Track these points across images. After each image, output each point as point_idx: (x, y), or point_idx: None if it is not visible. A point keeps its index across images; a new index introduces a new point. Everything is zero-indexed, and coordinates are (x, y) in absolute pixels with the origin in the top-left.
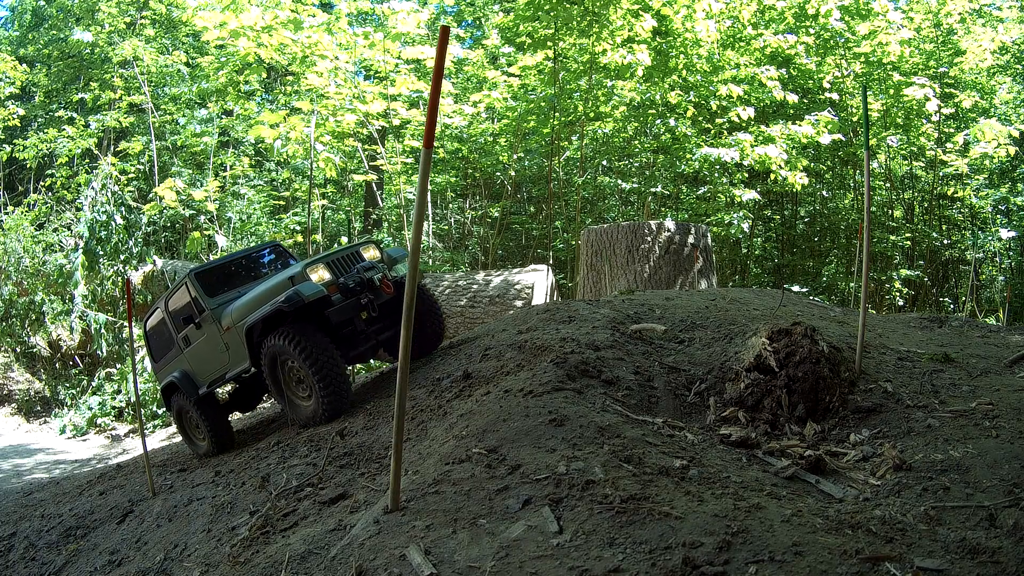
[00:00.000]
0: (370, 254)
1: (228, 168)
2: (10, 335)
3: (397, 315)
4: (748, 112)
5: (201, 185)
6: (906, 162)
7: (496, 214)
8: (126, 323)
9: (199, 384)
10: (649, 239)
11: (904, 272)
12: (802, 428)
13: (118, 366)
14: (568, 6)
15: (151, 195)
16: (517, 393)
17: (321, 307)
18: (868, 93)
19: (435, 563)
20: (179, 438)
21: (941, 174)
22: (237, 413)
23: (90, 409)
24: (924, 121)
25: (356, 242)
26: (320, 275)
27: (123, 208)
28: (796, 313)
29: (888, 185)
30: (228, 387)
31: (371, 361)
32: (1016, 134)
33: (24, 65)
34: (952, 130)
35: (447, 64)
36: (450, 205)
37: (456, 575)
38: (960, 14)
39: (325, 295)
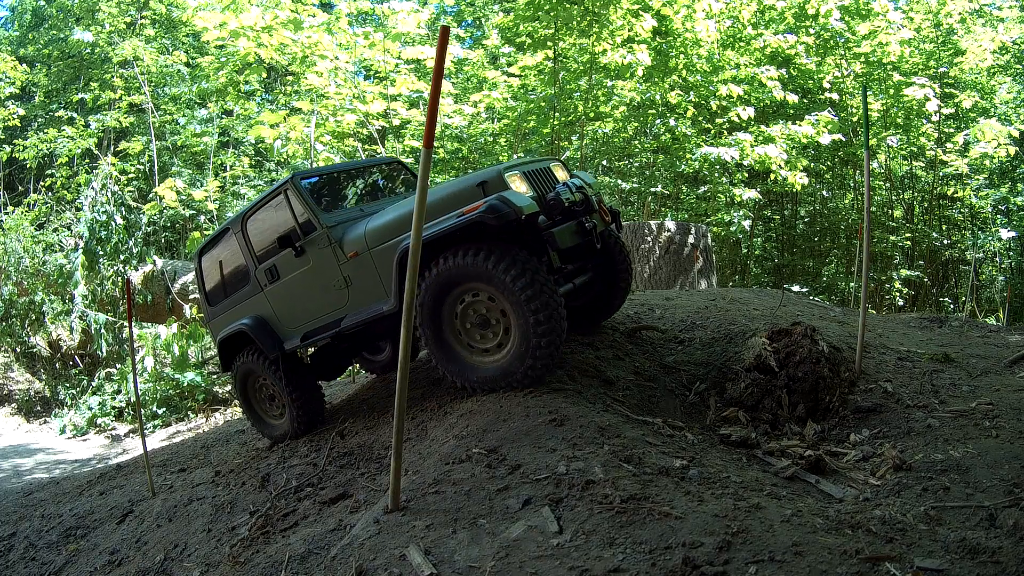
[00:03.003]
0: (561, 175)
1: (228, 168)
2: (10, 335)
3: (589, 258)
4: (748, 112)
5: (201, 185)
6: (906, 162)
7: None
8: (126, 323)
9: (285, 336)
10: (649, 239)
11: (904, 272)
12: (802, 428)
13: (118, 366)
14: (568, 6)
15: (151, 195)
16: (517, 393)
17: (526, 230)
18: (868, 93)
19: (435, 563)
20: (179, 438)
21: (941, 174)
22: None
23: (90, 409)
24: (924, 121)
25: (543, 157)
26: (519, 187)
27: (123, 208)
28: (796, 313)
29: (888, 185)
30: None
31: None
32: (1016, 134)
33: (24, 65)
34: (952, 130)
35: (447, 64)
36: None
37: (456, 575)
38: (960, 14)
39: (537, 212)
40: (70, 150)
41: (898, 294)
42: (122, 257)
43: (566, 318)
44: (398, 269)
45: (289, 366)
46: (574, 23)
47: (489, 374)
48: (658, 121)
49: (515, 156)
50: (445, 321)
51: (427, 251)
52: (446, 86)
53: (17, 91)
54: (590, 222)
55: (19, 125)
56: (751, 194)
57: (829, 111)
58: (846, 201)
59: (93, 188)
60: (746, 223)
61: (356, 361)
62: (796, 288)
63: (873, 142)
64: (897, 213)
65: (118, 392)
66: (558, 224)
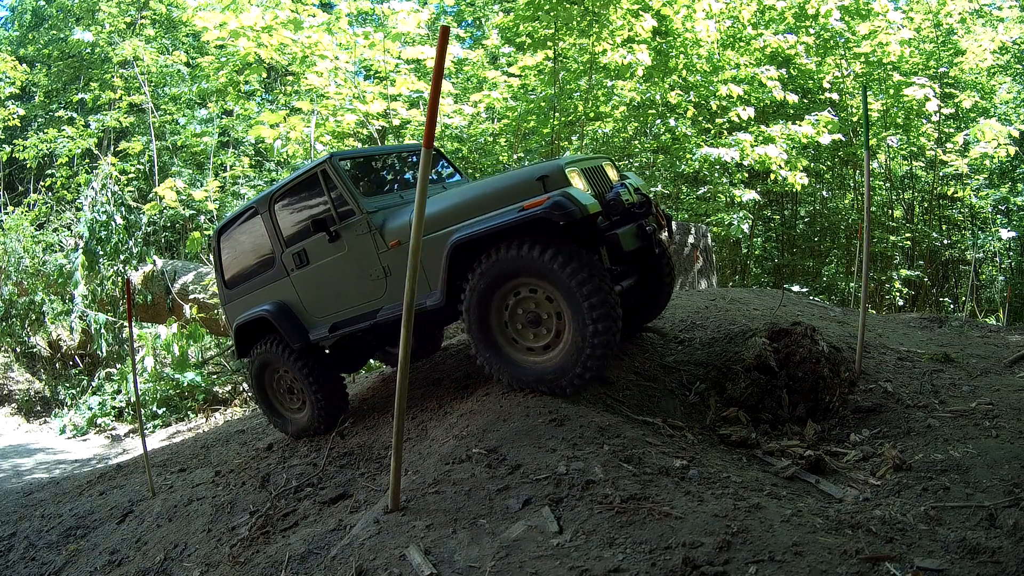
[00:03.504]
0: (612, 174)
1: (228, 168)
2: (10, 335)
3: (638, 261)
4: (748, 112)
5: (201, 185)
6: (906, 162)
7: None
8: (126, 323)
9: (311, 325)
10: None
11: (904, 272)
12: (802, 428)
13: (118, 366)
14: (568, 6)
15: (151, 195)
16: (517, 393)
17: (585, 229)
18: (868, 93)
19: (435, 563)
20: (179, 438)
21: (941, 174)
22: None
23: (90, 409)
24: (924, 121)
25: (594, 154)
26: (577, 183)
27: (123, 208)
28: (796, 313)
29: (888, 185)
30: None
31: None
32: (1016, 134)
33: (24, 65)
34: (952, 130)
35: (447, 64)
36: None
37: (456, 575)
38: (960, 14)
39: (600, 212)
40: (70, 150)
41: (898, 294)
42: (122, 257)
43: (621, 319)
44: (448, 262)
45: (313, 357)
46: (574, 23)
47: (538, 373)
48: (658, 121)
49: (514, 156)
50: (493, 316)
51: (479, 243)
52: (446, 86)
53: (17, 91)
54: (650, 225)
55: (19, 125)
56: (751, 195)
57: (829, 111)
58: (846, 201)
59: (93, 188)
60: (745, 225)
61: (376, 354)
62: (796, 288)
63: (873, 142)
64: (897, 213)
65: (118, 392)
66: (617, 225)
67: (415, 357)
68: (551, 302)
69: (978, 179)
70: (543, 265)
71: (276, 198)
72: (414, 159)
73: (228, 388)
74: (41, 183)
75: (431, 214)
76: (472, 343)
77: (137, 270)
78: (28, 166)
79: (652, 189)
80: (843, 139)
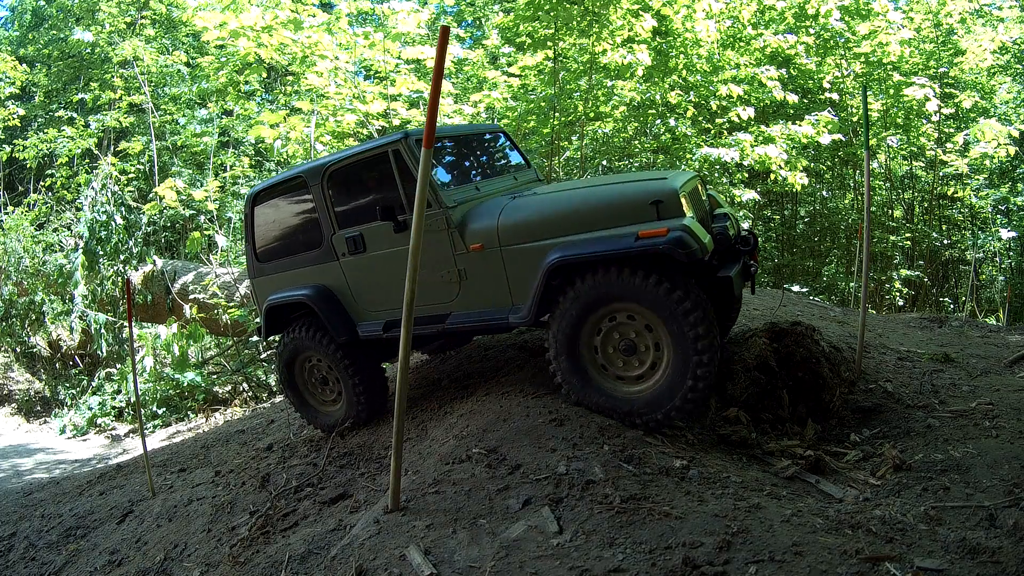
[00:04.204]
0: (703, 194)
1: (228, 168)
2: (10, 335)
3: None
4: (748, 112)
5: (201, 185)
6: (906, 162)
7: None
8: (126, 323)
9: (360, 318)
10: None
11: (904, 272)
12: (802, 428)
13: (118, 366)
14: (568, 6)
15: (151, 195)
16: (517, 393)
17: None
18: (868, 93)
19: (435, 563)
20: (179, 438)
21: (941, 174)
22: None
23: (90, 409)
24: (924, 121)
25: (690, 172)
26: (687, 210)
27: (123, 208)
28: (796, 313)
29: (888, 185)
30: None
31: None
32: (1016, 134)
33: (24, 65)
34: (952, 130)
35: (447, 64)
36: None
37: (456, 575)
38: (960, 14)
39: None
40: (70, 150)
41: (898, 294)
42: (122, 257)
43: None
44: (544, 280)
45: (355, 349)
46: (574, 23)
47: (628, 403)
48: (658, 121)
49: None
50: (583, 340)
51: (582, 265)
52: (446, 86)
53: (17, 91)
54: (754, 265)
55: (19, 125)
56: (751, 195)
57: (829, 111)
58: (846, 201)
59: (93, 188)
60: (745, 224)
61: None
62: (796, 288)
63: (873, 142)
64: (897, 213)
65: (118, 392)
66: (720, 258)
67: (439, 350)
68: (650, 331)
69: (978, 179)
70: (652, 294)
71: (333, 171)
72: (491, 143)
73: (228, 388)
74: (41, 183)
75: (524, 221)
76: (555, 366)
77: (137, 270)
78: (28, 166)
79: None
80: (843, 139)
